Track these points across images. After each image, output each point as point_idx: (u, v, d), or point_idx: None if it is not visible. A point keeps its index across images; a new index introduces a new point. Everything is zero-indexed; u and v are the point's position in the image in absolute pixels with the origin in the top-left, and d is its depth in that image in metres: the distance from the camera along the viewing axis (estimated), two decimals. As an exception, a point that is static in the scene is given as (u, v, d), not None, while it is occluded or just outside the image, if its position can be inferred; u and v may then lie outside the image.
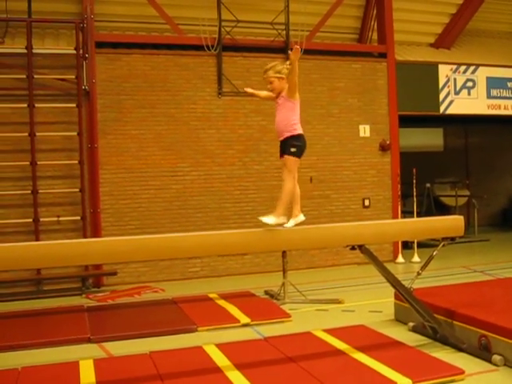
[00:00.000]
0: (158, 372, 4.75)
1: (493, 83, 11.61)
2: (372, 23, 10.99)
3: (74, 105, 8.73)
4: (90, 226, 8.87)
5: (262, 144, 9.87)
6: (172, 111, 9.40)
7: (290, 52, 4.56)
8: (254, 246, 4.96)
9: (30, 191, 8.52)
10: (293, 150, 4.65)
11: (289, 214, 4.77)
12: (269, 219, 4.54)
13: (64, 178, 8.82)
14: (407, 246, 11.23)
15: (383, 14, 10.65)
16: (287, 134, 4.68)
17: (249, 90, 5.05)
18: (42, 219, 8.59)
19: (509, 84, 11.75)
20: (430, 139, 15.10)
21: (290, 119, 4.69)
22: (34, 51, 8.57)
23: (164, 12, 9.41)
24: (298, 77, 4.60)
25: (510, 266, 9.31)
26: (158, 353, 5.30)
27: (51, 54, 8.79)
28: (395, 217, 10.46)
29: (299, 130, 4.71)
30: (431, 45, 12.30)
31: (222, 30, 9.55)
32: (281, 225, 4.63)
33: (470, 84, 11.43)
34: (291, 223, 4.76)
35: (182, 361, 5.03)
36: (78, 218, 8.77)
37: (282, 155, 4.80)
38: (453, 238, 5.39)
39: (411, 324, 5.89)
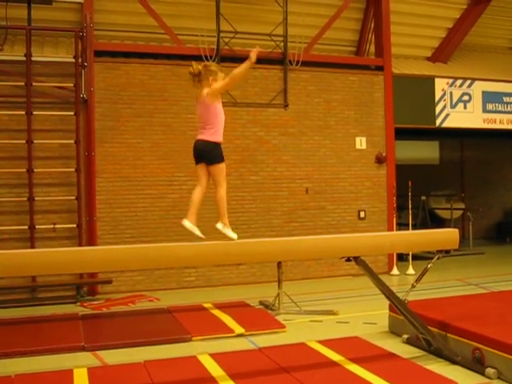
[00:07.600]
0: (152, 381, 4.74)
1: (489, 97, 11.71)
2: (369, 36, 11.09)
3: (72, 113, 8.76)
4: (86, 234, 8.87)
5: (258, 154, 9.91)
6: (169, 121, 9.43)
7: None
8: (251, 256, 5.03)
9: (26, 198, 8.52)
10: None
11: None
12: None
13: (60, 185, 8.83)
14: (402, 258, 11.24)
15: (381, 28, 10.75)
16: None
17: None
18: (37, 226, 8.58)
19: (504, 98, 11.86)
20: (426, 152, 15.18)
21: None
22: (32, 59, 8.60)
23: (163, 22, 9.47)
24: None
25: (504, 280, 9.34)
26: (153, 362, 5.29)
27: (50, 62, 8.83)
28: (390, 229, 10.49)
29: None
30: (428, 58, 12.41)
31: (221, 40, 9.61)
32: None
33: (466, 98, 11.52)
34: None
35: (176, 370, 5.02)
36: (74, 225, 8.78)
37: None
38: (448, 251, 5.43)
39: (405, 336, 5.90)
